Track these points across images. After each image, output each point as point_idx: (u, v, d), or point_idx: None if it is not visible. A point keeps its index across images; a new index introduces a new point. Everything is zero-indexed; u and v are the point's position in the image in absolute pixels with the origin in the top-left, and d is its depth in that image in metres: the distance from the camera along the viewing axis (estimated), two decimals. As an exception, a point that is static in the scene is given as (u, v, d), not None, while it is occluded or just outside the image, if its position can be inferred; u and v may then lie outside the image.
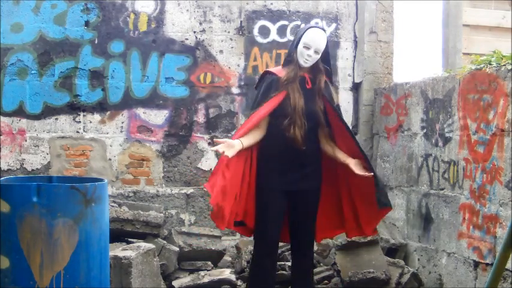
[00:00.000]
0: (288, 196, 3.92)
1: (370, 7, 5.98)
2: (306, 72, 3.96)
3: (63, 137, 5.44)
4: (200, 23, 5.72)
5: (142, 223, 4.93)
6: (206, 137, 5.71)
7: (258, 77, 4.58)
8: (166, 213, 5.50)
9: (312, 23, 5.89)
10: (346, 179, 4.04)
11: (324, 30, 4.01)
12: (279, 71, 3.98)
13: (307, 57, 3.87)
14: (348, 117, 6.03)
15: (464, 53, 6.90)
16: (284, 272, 4.71)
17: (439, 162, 4.90)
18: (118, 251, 4.38)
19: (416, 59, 7.22)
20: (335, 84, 4.05)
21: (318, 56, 3.90)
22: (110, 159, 5.53)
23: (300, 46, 3.87)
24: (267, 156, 3.92)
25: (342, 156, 3.97)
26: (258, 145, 3.95)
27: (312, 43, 3.86)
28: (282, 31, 5.88)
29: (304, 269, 4.06)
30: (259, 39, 5.83)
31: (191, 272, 4.94)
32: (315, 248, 5.10)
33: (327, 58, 4.03)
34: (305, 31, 3.91)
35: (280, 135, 3.85)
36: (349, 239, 4.72)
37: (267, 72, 4.06)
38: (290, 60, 3.94)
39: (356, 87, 6.06)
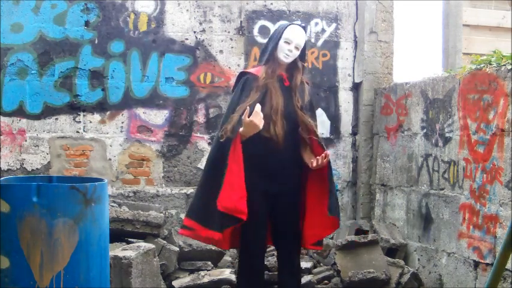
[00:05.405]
0: (269, 197, 3.89)
1: (370, 7, 5.97)
2: (283, 71, 3.93)
3: (63, 137, 5.44)
4: (200, 23, 5.72)
5: (142, 223, 4.93)
6: (206, 137, 5.71)
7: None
8: (166, 213, 5.50)
9: (312, 23, 5.90)
10: (305, 186, 3.99)
11: (305, 29, 3.98)
12: (257, 70, 3.95)
13: (287, 52, 3.84)
14: (348, 117, 6.04)
15: (464, 53, 6.91)
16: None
17: (439, 162, 4.90)
18: (118, 251, 4.38)
19: (416, 59, 7.23)
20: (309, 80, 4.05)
21: (298, 53, 3.89)
22: (110, 159, 5.53)
23: (281, 42, 3.86)
24: (248, 156, 3.80)
25: (307, 158, 3.90)
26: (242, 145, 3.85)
27: (293, 38, 3.85)
28: (282, 31, 5.87)
29: (290, 272, 3.99)
30: (259, 39, 5.82)
31: (191, 272, 4.93)
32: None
33: (303, 55, 4.01)
34: (286, 27, 3.89)
35: (260, 135, 3.78)
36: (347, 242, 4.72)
37: (243, 73, 4.03)
38: (268, 58, 3.90)
39: (356, 87, 6.06)
